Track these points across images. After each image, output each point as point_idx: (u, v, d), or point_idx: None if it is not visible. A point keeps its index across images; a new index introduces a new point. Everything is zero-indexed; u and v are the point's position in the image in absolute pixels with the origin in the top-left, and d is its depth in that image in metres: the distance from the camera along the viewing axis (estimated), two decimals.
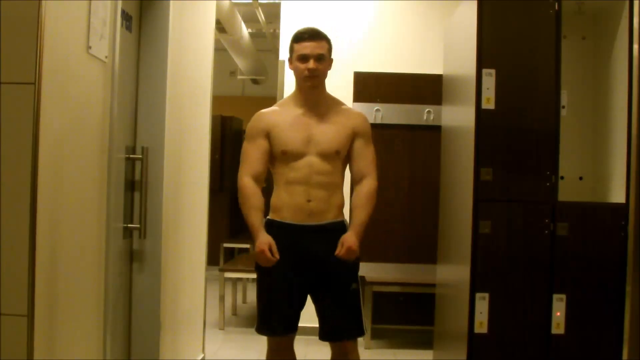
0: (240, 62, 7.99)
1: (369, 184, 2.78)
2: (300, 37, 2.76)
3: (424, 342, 4.71)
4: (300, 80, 2.77)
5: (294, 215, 2.74)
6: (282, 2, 5.22)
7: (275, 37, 7.38)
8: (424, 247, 4.92)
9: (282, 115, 2.80)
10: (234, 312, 5.94)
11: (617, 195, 3.26)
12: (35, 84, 1.83)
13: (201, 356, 4.09)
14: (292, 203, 2.73)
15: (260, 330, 2.82)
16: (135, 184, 2.89)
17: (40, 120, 1.84)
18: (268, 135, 2.77)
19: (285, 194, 2.75)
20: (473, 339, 3.17)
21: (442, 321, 3.96)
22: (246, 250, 7.72)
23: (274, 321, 2.78)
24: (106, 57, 2.33)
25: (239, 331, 5.30)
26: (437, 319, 4.13)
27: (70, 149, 2.10)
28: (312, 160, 2.73)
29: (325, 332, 2.80)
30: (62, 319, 2.08)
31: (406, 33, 5.10)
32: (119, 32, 2.44)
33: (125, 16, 2.74)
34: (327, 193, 2.75)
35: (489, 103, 3.19)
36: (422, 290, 4.77)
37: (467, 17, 3.39)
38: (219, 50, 5.47)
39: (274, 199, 2.81)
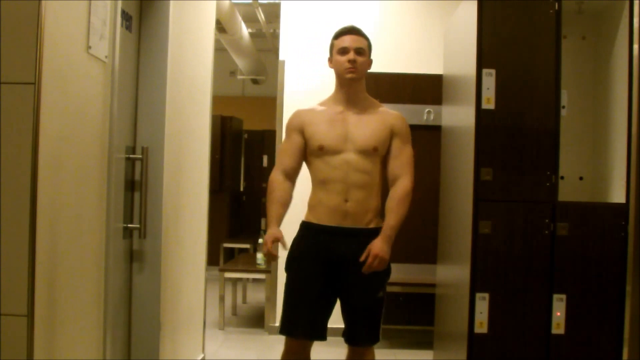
0: (240, 62, 7.99)
1: (402, 185, 2.69)
2: (340, 32, 2.77)
3: (424, 342, 4.72)
4: (341, 73, 2.74)
5: (330, 216, 2.70)
6: (282, 2, 5.22)
7: (275, 37, 7.38)
8: (424, 247, 4.92)
9: (320, 112, 2.78)
10: (234, 312, 5.94)
11: (617, 195, 3.26)
12: (35, 84, 1.83)
13: (201, 356, 4.09)
14: (328, 202, 2.69)
15: (284, 331, 2.74)
16: (135, 184, 2.89)
17: (40, 120, 1.84)
18: (303, 132, 2.76)
19: (322, 192, 2.72)
20: (473, 339, 3.17)
21: (442, 321, 3.96)
22: (246, 250, 7.72)
23: (299, 323, 2.71)
24: (106, 57, 2.33)
25: (239, 331, 5.30)
26: (437, 319, 4.13)
27: (70, 149, 2.10)
28: (349, 157, 2.69)
29: (347, 336, 2.77)
30: (62, 319, 2.08)
31: (406, 33, 5.11)
32: (119, 32, 2.44)
33: (125, 16, 2.74)
34: (364, 194, 2.69)
35: (489, 103, 3.19)
36: (422, 290, 4.77)
37: (467, 17, 3.39)
38: (219, 50, 5.47)
39: (310, 198, 2.78)
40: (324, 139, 2.71)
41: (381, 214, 2.75)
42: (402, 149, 2.74)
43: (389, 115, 2.80)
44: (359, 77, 2.76)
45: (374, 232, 2.69)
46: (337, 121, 2.73)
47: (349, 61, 2.70)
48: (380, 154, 2.73)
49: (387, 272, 2.77)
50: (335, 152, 2.70)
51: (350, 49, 2.71)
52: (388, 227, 2.66)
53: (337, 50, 2.75)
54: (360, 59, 2.73)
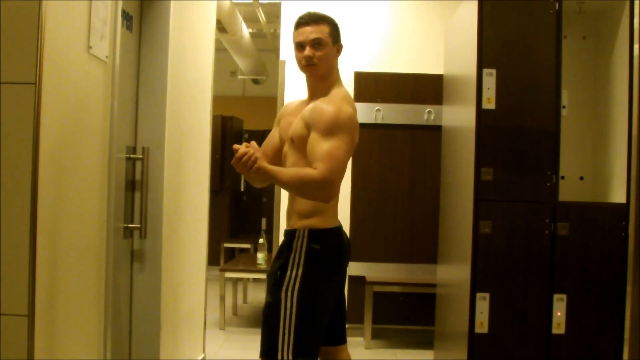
0: (241, 62, 7.99)
1: (308, 170, 2.34)
2: (297, 23, 2.55)
3: (424, 342, 4.72)
4: (300, 69, 2.58)
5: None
6: (282, 2, 5.22)
7: (276, 37, 7.38)
8: (424, 247, 4.92)
9: (295, 105, 2.67)
10: (235, 312, 5.94)
11: (618, 195, 3.26)
12: (35, 84, 1.83)
13: (202, 356, 4.09)
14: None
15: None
16: (136, 184, 2.89)
17: (40, 120, 1.84)
18: (280, 124, 2.68)
19: None
20: (473, 338, 3.17)
21: (443, 321, 3.96)
22: (246, 250, 7.72)
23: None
24: (107, 57, 2.33)
25: (240, 331, 5.30)
26: (437, 319, 4.14)
27: (70, 149, 2.10)
28: (284, 149, 2.57)
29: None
30: (62, 319, 2.08)
31: (406, 33, 5.10)
32: (120, 32, 2.44)
33: (126, 16, 2.74)
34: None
35: (489, 103, 3.19)
36: (422, 290, 4.77)
37: (468, 17, 3.39)
38: (220, 50, 5.47)
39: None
40: (280, 131, 2.63)
41: (314, 214, 2.42)
42: (318, 141, 2.37)
43: (313, 106, 2.49)
44: (319, 71, 2.54)
45: (290, 234, 2.44)
46: (296, 113, 2.58)
47: (305, 58, 2.51)
48: (297, 145, 2.46)
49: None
50: (283, 145, 2.60)
51: (306, 44, 2.51)
52: (274, 168, 2.35)
53: (294, 45, 2.57)
54: (318, 52, 2.50)
